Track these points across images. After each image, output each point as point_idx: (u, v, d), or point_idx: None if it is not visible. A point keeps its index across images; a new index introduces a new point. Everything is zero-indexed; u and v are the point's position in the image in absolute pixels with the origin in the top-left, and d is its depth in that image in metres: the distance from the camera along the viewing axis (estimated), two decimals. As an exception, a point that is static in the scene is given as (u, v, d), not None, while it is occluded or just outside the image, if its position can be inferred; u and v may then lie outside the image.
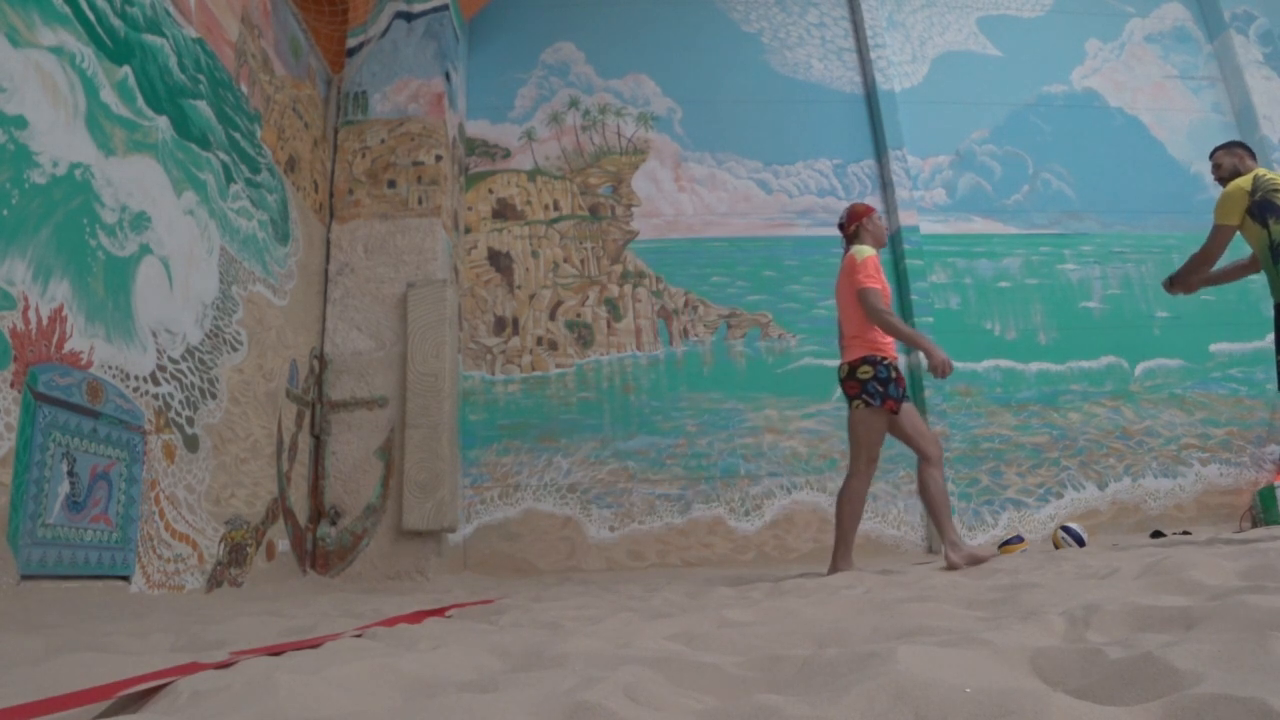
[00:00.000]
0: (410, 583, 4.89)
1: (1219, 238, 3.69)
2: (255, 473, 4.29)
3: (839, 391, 3.91)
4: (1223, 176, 3.81)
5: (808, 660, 1.14)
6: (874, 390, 3.57)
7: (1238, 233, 3.69)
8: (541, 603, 2.93)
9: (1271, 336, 3.78)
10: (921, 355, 3.79)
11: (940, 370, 3.50)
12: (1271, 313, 3.65)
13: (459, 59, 6.73)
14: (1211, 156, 3.93)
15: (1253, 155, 3.84)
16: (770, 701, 0.87)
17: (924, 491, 3.60)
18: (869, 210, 3.83)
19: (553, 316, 6.52)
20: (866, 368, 3.60)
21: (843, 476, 6.16)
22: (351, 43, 6.12)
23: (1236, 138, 7.41)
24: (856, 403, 3.61)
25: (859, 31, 7.51)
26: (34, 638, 1.68)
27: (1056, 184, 7.16)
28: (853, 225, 3.83)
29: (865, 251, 3.66)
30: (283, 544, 4.59)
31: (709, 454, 6.21)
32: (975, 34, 7.66)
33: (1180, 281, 3.85)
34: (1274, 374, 3.82)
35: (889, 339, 3.65)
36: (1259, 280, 6.24)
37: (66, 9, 2.97)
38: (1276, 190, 3.56)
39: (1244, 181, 3.63)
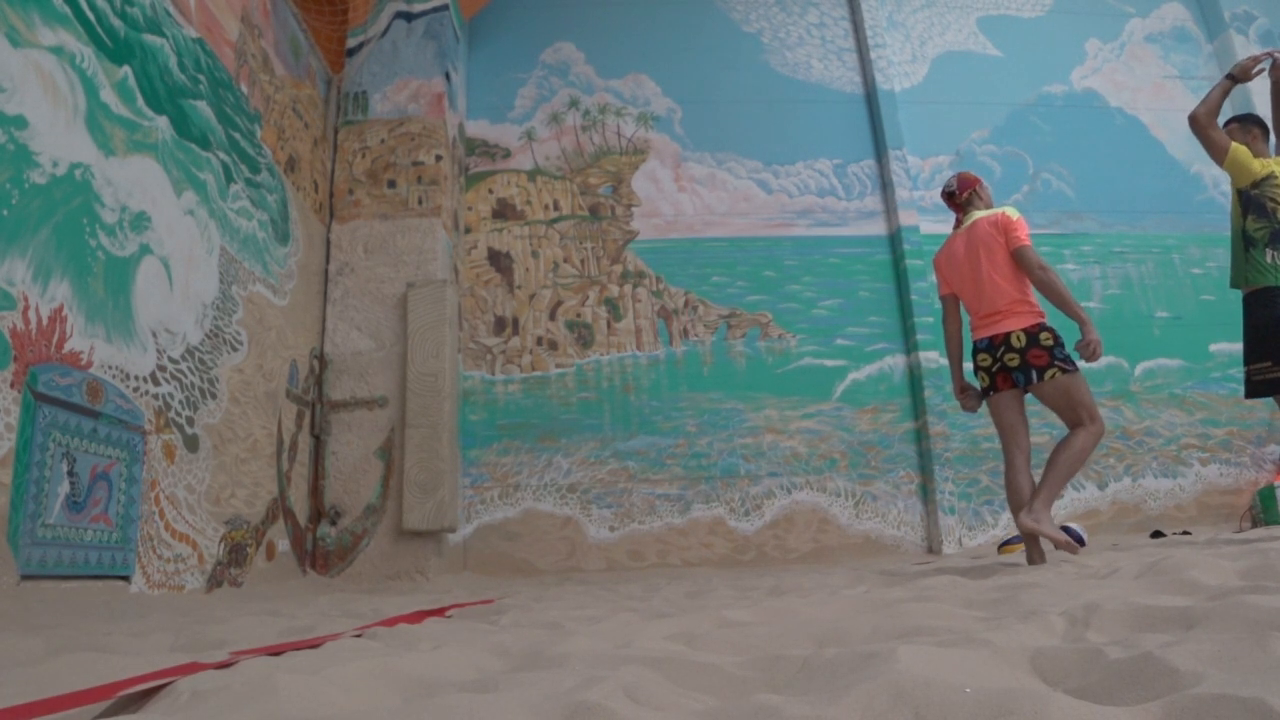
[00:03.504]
0: (410, 583, 4.89)
1: (1219, 146, 3.55)
2: (255, 473, 4.29)
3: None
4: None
5: (808, 660, 1.14)
6: (1063, 355, 3.33)
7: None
8: (541, 603, 2.93)
9: None
10: (1037, 336, 3.41)
11: (1093, 351, 3.24)
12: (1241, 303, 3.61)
13: (459, 59, 6.73)
14: (1225, 126, 3.77)
15: (1267, 134, 3.72)
16: (770, 701, 0.87)
17: (1067, 449, 3.27)
18: (980, 179, 3.72)
19: (553, 316, 6.52)
20: (1047, 334, 3.33)
21: (842, 477, 6.22)
22: (351, 43, 6.12)
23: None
24: (1051, 371, 3.29)
25: (859, 31, 7.51)
26: (34, 638, 1.68)
27: (1056, 184, 7.16)
28: (965, 192, 3.66)
29: (1016, 211, 3.47)
30: (283, 544, 4.59)
31: (709, 454, 6.21)
32: (975, 34, 7.66)
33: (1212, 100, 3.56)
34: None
35: None
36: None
37: (66, 9, 2.97)
38: (1270, 198, 3.51)
39: (1259, 168, 3.52)
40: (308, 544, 4.97)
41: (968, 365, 3.70)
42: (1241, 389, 6.66)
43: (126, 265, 3.26)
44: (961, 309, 3.70)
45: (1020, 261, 3.38)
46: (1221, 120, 3.75)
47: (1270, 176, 3.53)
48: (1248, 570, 1.89)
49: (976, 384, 3.62)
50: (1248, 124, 3.75)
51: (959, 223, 3.69)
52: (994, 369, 3.44)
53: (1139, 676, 0.92)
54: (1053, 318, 3.46)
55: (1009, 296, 3.40)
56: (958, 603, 1.82)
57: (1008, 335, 3.38)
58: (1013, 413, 3.48)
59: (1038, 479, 3.43)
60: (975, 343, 3.53)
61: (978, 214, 3.58)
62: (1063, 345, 3.36)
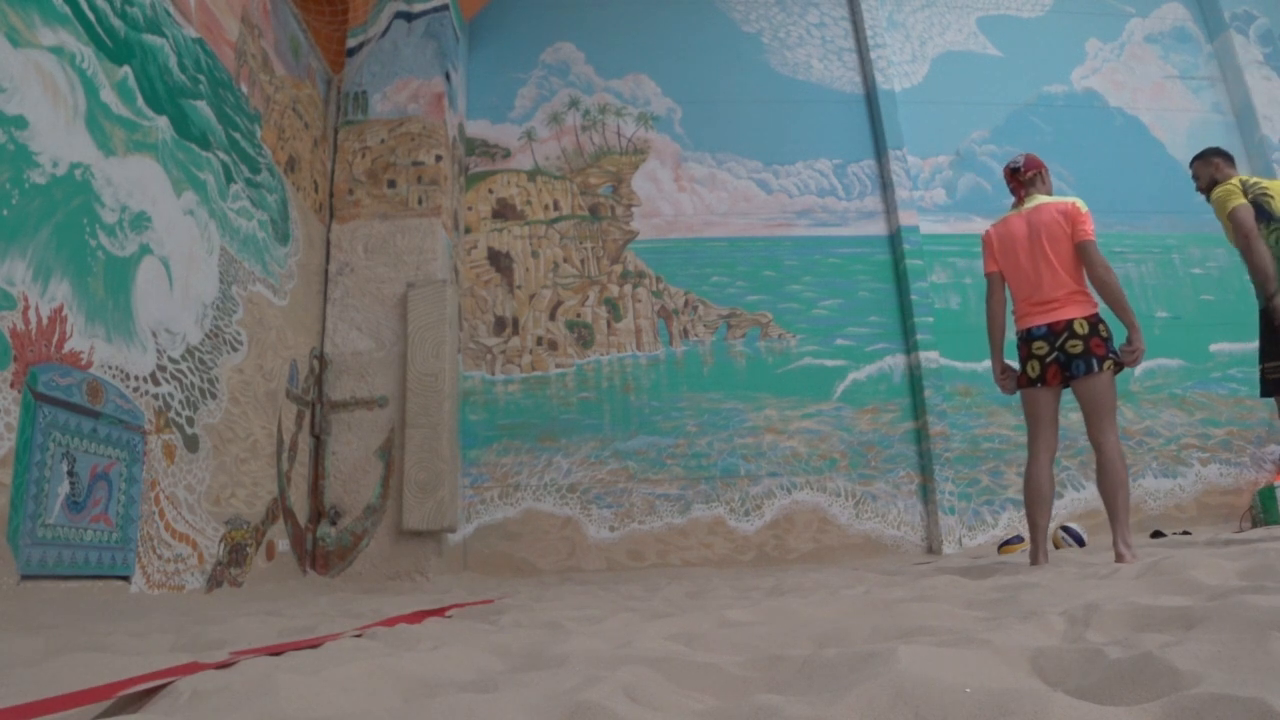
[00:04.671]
0: (410, 583, 4.89)
1: (1240, 220, 3.59)
2: (255, 473, 4.29)
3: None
4: (1202, 187, 3.87)
5: (808, 660, 1.14)
6: (1114, 351, 3.29)
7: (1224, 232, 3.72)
8: (541, 603, 2.93)
9: None
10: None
11: (1136, 358, 3.24)
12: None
13: (459, 59, 6.73)
14: (1190, 167, 3.95)
15: (1229, 160, 3.86)
16: (770, 701, 0.87)
17: (1114, 479, 3.23)
18: (1045, 165, 3.67)
19: (553, 316, 6.52)
20: (1104, 326, 3.30)
21: (842, 477, 6.21)
22: (351, 43, 6.12)
23: (1237, 137, 7.42)
24: (1108, 363, 3.26)
25: (859, 31, 7.51)
26: (34, 638, 1.68)
27: (1056, 184, 7.15)
28: (1030, 172, 3.61)
29: (1084, 204, 3.44)
30: (283, 544, 4.59)
31: (709, 454, 6.21)
32: (975, 34, 7.66)
33: (1267, 292, 3.61)
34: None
35: None
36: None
37: (66, 9, 2.97)
38: (1264, 194, 3.61)
39: (1231, 183, 3.67)
40: (308, 544, 4.97)
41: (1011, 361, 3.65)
42: (1241, 389, 6.68)
43: (126, 265, 3.26)
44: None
45: (1086, 255, 3.35)
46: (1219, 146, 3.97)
47: (1244, 182, 3.65)
48: (1248, 570, 1.89)
49: (1015, 368, 3.53)
50: (1207, 158, 3.88)
51: (1020, 202, 3.60)
52: (1049, 358, 3.37)
53: (1139, 676, 0.92)
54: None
55: (1068, 286, 3.36)
56: (958, 603, 1.82)
57: (1070, 322, 3.32)
58: (1050, 409, 3.44)
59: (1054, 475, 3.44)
60: (1029, 330, 3.43)
61: (1042, 198, 3.52)
62: (1113, 340, 3.35)
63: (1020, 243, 3.48)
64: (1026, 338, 3.44)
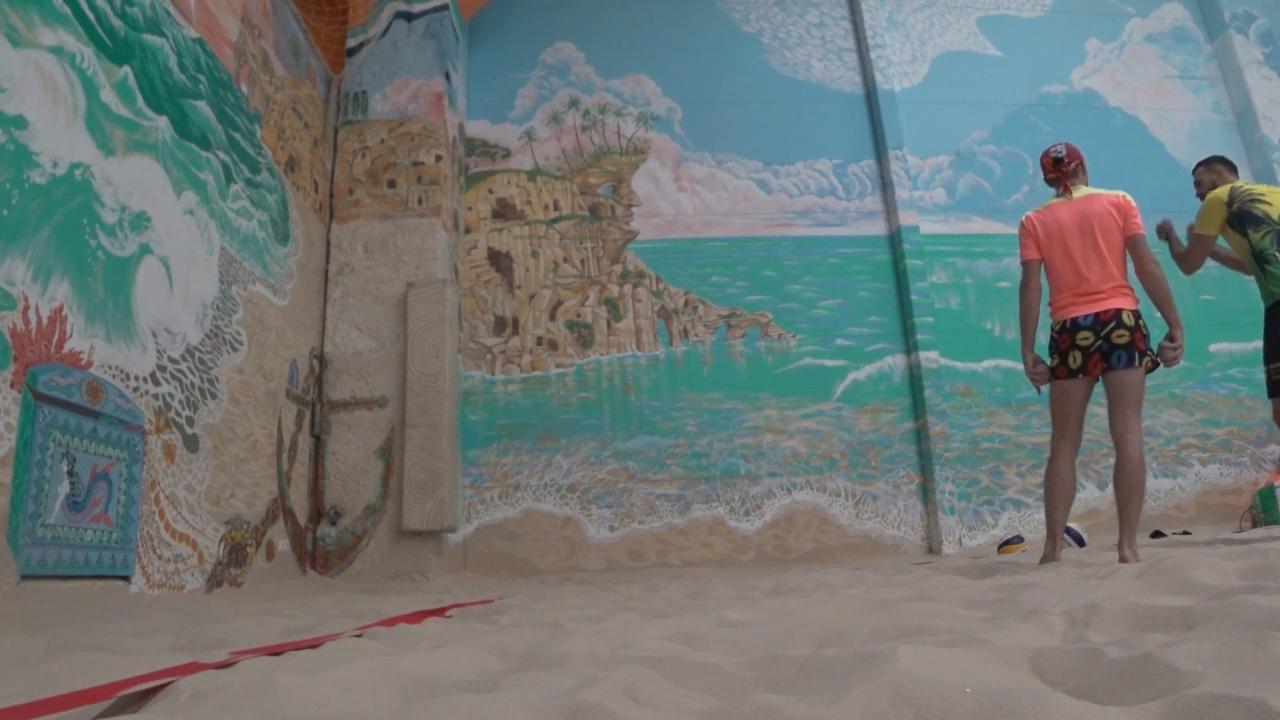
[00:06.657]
0: (410, 583, 4.89)
1: (1195, 246, 3.80)
2: (255, 473, 4.29)
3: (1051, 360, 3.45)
4: (1202, 193, 3.94)
5: (808, 660, 1.14)
6: (1152, 349, 3.34)
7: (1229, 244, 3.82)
8: (541, 603, 2.93)
9: None
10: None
11: (1180, 354, 3.28)
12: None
13: (459, 59, 6.73)
14: (1193, 173, 4.06)
15: (1231, 169, 3.96)
16: (770, 701, 0.87)
17: (1134, 476, 3.21)
18: (1083, 155, 3.64)
19: (553, 316, 6.52)
20: (1143, 321, 3.30)
21: (842, 477, 6.21)
22: (351, 43, 6.12)
23: (1237, 137, 7.42)
24: (1147, 358, 3.29)
25: (859, 31, 7.51)
26: (34, 638, 1.68)
27: (1056, 184, 7.15)
28: (1074, 163, 3.55)
29: (1132, 198, 3.43)
30: (283, 544, 4.59)
31: (709, 454, 6.21)
32: (975, 34, 7.66)
33: (1175, 251, 3.92)
34: None
35: None
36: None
37: (66, 9, 2.97)
38: (1254, 200, 3.68)
39: (1220, 192, 3.74)
40: (308, 544, 4.97)
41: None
42: (1241, 388, 6.68)
43: (126, 265, 3.26)
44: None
45: (1138, 250, 3.35)
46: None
47: (1234, 190, 3.72)
48: (1248, 570, 1.89)
49: (1046, 360, 3.50)
50: (1211, 164, 4.00)
51: (1066, 190, 3.54)
52: (1092, 348, 3.32)
53: (1139, 676, 0.92)
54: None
55: (1115, 280, 3.34)
56: (958, 603, 1.82)
57: (1119, 312, 3.29)
58: (1082, 403, 3.42)
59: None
60: (1074, 319, 3.36)
61: (1089, 189, 3.51)
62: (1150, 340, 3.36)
63: (1069, 232, 3.43)
64: (1071, 328, 3.37)
